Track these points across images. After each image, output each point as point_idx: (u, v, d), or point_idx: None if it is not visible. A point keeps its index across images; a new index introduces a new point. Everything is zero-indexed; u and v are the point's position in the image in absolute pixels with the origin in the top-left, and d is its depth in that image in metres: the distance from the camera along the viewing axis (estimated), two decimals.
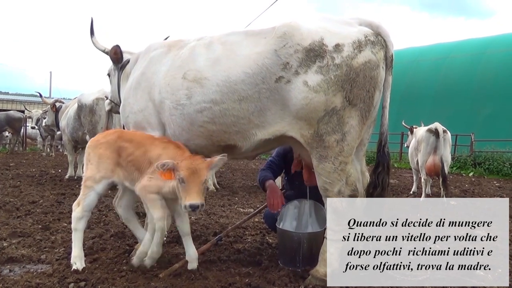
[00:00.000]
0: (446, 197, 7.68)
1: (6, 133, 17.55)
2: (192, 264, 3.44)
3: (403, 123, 10.80)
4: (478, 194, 9.10)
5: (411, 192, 8.91)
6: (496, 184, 11.24)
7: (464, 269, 3.70)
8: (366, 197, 3.34)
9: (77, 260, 3.42)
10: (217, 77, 3.17)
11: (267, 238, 4.66)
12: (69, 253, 3.85)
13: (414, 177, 9.01)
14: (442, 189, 7.67)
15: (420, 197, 8.15)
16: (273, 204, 3.84)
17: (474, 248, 3.68)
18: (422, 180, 8.12)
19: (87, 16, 4.66)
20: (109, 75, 4.62)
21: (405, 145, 11.58)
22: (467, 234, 5.13)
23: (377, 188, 3.24)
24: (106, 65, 4.70)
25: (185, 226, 3.47)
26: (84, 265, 3.43)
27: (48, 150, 16.99)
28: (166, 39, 4.53)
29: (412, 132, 9.80)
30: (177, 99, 3.35)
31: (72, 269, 3.35)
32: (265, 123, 3.15)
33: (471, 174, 13.60)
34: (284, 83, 3.01)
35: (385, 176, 3.25)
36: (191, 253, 3.47)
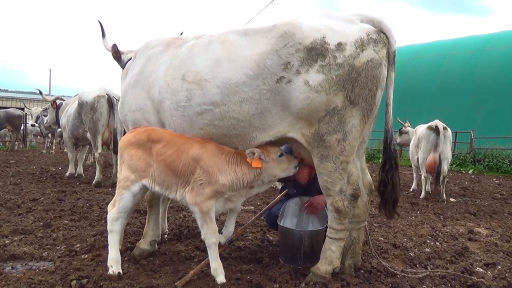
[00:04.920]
0: (445, 194, 7.71)
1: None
2: (222, 239, 3.51)
3: (398, 120, 10.81)
4: (478, 191, 9.12)
5: (411, 190, 8.92)
6: (496, 181, 11.26)
7: (464, 266, 3.73)
8: (379, 195, 3.36)
9: (114, 263, 3.26)
10: (218, 79, 3.13)
11: (267, 235, 4.68)
12: (71, 250, 3.88)
13: (414, 175, 9.02)
14: (441, 186, 7.68)
15: (420, 194, 8.16)
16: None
17: (474, 245, 3.70)
18: (422, 177, 8.13)
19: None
20: None
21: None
22: (467, 231, 5.18)
23: (387, 185, 3.25)
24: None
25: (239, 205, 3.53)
26: (120, 269, 3.26)
27: (51, 146, 16.99)
28: (181, 34, 4.52)
29: (401, 133, 9.95)
30: (177, 100, 3.32)
31: (108, 273, 3.19)
32: (265, 125, 3.12)
33: (470, 171, 13.62)
34: (285, 83, 2.97)
35: (394, 173, 3.26)
36: (231, 229, 3.56)
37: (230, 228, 3.55)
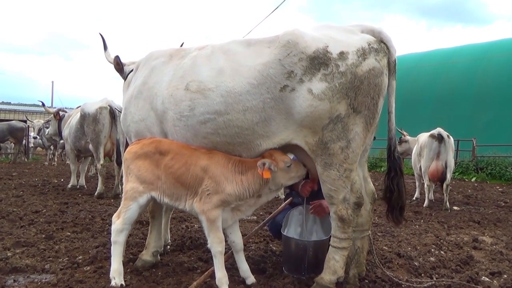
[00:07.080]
0: (448, 202, 7.67)
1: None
2: (251, 279, 3.36)
3: (397, 129, 10.82)
4: (481, 199, 9.07)
5: (414, 198, 8.86)
6: (499, 189, 11.21)
7: (470, 275, 3.70)
8: (385, 202, 3.36)
9: (116, 275, 3.22)
10: (221, 88, 3.15)
11: (270, 245, 4.64)
12: (73, 263, 3.86)
13: (417, 183, 8.97)
14: (444, 194, 7.66)
15: (423, 203, 8.12)
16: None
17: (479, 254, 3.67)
18: (425, 186, 8.10)
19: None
20: None
21: None
22: (471, 240, 5.14)
23: (393, 192, 3.26)
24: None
25: (239, 241, 3.37)
26: (122, 281, 3.22)
27: (53, 158, 17.02)
28: (181, 45, 4.57)
29: (400, 143, 9.96)
30: (180, 110, 3.33)
31: (110, 285, 3.16)
32: (269, 133, 3.13)
33: (473, 179, 13.57)
34: (288, 91, 2.99)
35: (399, 180, 3.28)
36: (245, 269, 3.39)
37: (244, 267, 3.42)
